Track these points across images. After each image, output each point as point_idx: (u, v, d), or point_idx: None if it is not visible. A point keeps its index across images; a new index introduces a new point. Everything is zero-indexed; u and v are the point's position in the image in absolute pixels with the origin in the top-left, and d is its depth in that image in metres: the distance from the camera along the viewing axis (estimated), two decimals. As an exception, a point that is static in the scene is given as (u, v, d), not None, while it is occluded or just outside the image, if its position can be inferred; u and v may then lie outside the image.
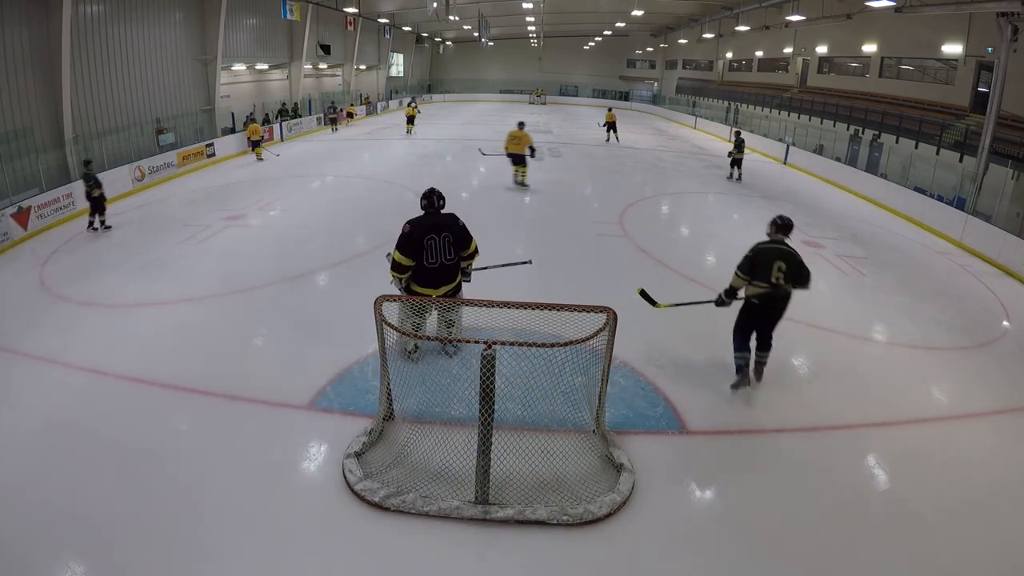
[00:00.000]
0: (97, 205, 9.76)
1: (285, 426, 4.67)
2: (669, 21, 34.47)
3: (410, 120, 23.22)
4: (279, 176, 14.76)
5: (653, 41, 40.99)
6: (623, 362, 5.55)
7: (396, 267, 5.02)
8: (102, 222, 9.87)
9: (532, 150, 12.98)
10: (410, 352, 5.29)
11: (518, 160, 13.21)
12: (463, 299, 5.11)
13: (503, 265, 6.48)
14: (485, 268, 6.04)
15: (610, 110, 24.14)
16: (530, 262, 6.85)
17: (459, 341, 4.41)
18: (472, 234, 5.27)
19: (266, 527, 3.66)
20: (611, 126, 22.56)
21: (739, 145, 15.79)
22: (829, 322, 6.91)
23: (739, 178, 15.78)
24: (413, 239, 4.95)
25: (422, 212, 5.15)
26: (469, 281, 5.59)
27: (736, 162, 15.74)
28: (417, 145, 20.16)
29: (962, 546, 3.74)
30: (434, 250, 4.98)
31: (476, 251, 5.34)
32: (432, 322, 5.24)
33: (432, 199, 5.12)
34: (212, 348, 5.83)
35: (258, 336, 6.24)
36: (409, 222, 5.05)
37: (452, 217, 5.18)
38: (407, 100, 31.69)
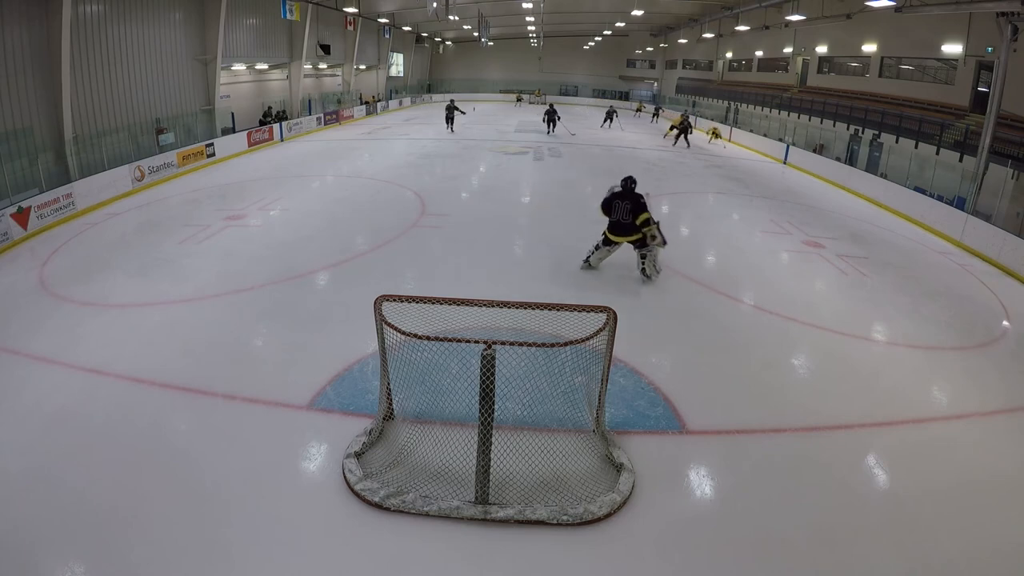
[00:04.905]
0: None
1: (285, 426, 4.67)
2: (669, 21, 34.45)
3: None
4: (279, 176, 14.75)
5: (653, 41, 40.97)
6: (623, 362, 5.55)
7: (601, 213, 7.88)
8: None
9: None
10: (585, 264, 8.20)
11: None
12: (465, 299, 5.13)
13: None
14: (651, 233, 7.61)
15: (681, 113, 24.88)
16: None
17: (459, 341, 4.40)
18: (648, 211, 7.53)
19: (266, 527, 3.66)
20: (683, 131, 21.96)
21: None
22: (829, 322, 6.91)
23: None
24: (606, 201, 7.73)
25: (619, 187, 7.74)
26: (658, 240, 7.65)
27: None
28: (417, 145, 20.15)
29: (961, 546, 3.74)
30: (617, 211, 7.58)
31: (647, 222, 7.47)
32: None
33: (625, 181, 7.72)
34: (212, 348, 5.83)
35: (258, 336, 6.24)
36: (612, 191, 7.77)
37: (636, 195, 7.61)
38: (406, 99, 31.43)
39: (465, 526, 3.71)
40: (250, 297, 7.13)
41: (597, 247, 8.02)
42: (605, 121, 27.58)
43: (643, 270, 7.80)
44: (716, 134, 24.28)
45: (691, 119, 23.23)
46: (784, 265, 9.22)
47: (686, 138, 22.06)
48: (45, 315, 6.54)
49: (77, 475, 4.04)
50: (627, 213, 7.51)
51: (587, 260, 8.16)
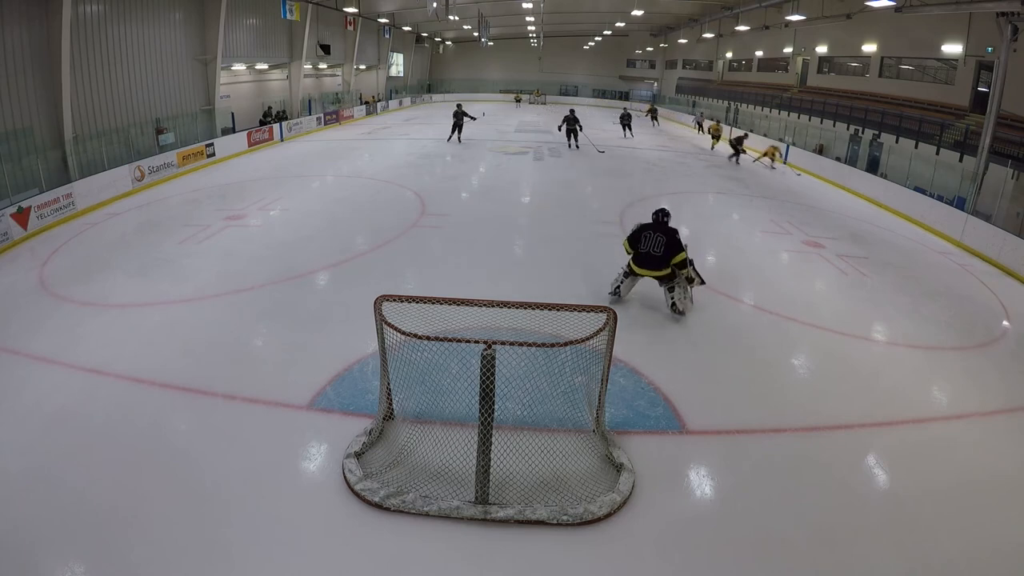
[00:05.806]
0: None
1: (285, 426, 4.67)
2: (669, 21, 34.43)
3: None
4: (279, 176, 14.75)
5: (653, 41, 40.96)
6: (623, 362, 5.55)
7: (626, 247, 7.20)
8: None
9: None
10: (612, 293, 7.34)
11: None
12: (465, 299, 5.13)
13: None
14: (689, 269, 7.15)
15: (715, 120, 23.35)
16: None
17: (459, 341, 4.40)
18: (683, 248, 6.89)
19: (266, 527, 3.66)
20: (737, 142, 18.79)
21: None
22: (829, 322, 6.91)
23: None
24: (633, 233, 7.10)
25: (651, 220, 7.13)
26: (696, 282, 7.14)
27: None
28: (417, 145, 20.14)
29: (961, 546, 3.74)
30: (647, 242, 6.95)
31: (684, 261, 6.94)
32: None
33: (658, 214, 7.10)
34: (212, 348, 5.83)
35: (258, 336, 6.24)
36: (639, 224, 7.19)
37: (671, 229, 6.99)
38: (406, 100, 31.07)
39: (465, 526, 3.71)
40: (250, 297, 7.13)
41: (622, 282, 7.23)
42: (625, 131, 23.96)
43: (673, 306, 6.94)
44: (773, 154, 18.55)
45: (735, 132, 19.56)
46: (784, 265, 9.22)
47: (737, 151, 18.65)
48: (45, 315, 6.54)
49: (77, 475, 4.04)
50: (659, 246, 6.88)
51: (616, 290, 7.31)
